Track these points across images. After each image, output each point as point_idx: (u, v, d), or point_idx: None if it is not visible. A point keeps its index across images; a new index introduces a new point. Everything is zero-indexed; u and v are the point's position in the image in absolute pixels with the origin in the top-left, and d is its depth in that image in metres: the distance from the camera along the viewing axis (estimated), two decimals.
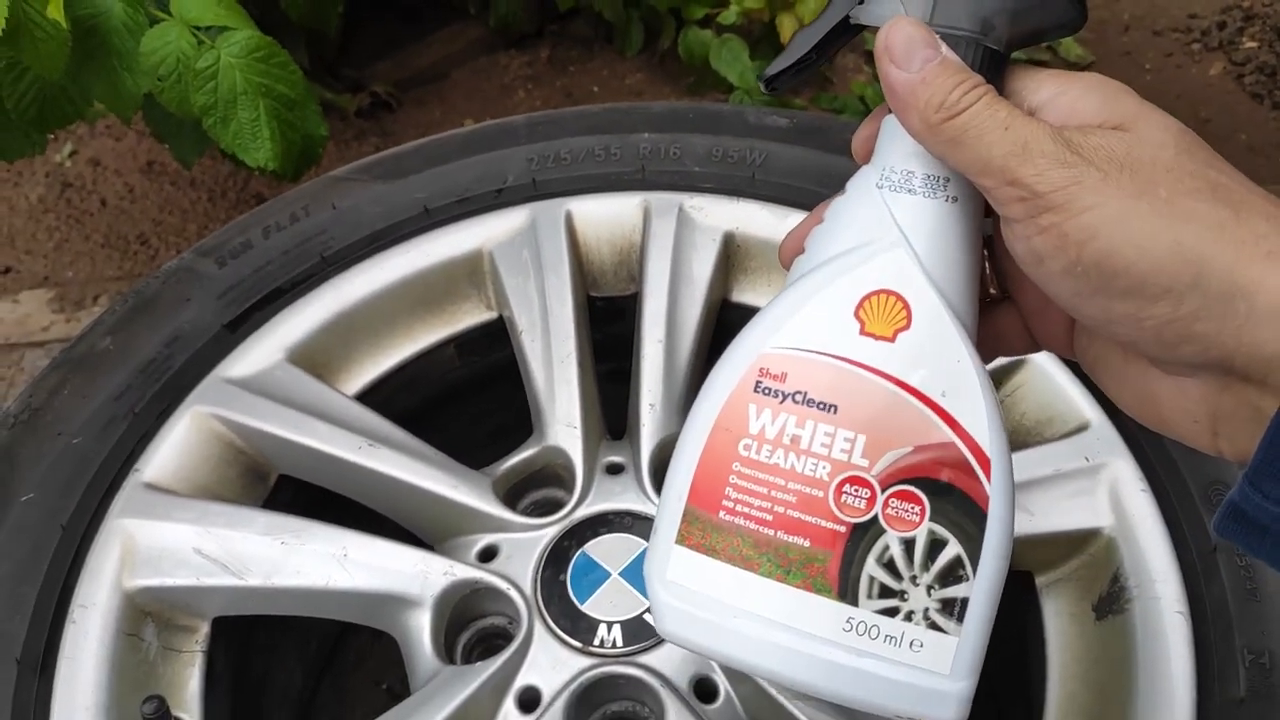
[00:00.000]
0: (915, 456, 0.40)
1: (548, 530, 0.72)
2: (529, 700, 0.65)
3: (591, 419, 0.77)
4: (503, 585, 0.69)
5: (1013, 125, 0.37)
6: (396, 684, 1.00)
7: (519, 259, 0.83)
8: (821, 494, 0.41)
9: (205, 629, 0.70)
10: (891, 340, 0.40)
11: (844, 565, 0.41)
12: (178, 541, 0.69)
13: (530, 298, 0.81)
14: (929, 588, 0.40)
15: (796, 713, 0.62)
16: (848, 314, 0.41)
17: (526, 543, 0.71)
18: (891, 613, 0.40)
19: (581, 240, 0.85)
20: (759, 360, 0.41)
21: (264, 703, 0.82)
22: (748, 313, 0.85)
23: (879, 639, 0.41)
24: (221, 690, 0.72)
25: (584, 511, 0.73)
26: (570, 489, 0.74)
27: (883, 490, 0.40)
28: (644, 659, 0.66)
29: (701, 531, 0.42)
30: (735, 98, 1.52)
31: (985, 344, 0.43)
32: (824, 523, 0.41)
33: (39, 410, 0.74)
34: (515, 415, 0.82)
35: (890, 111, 0.41)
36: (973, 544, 0.40)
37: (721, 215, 0.84)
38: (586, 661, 0.66)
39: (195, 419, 0.74)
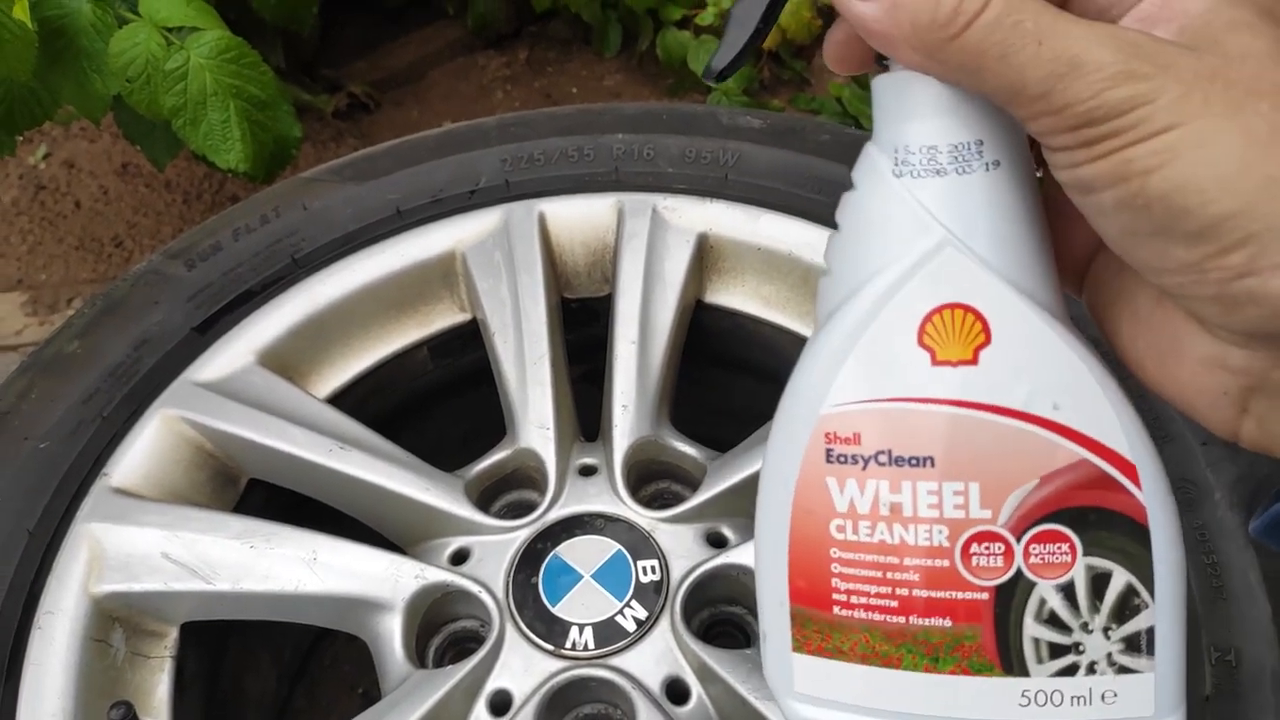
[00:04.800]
0: (1046, 490, 0.33)
1: (520, 533, 0.72)
2: (500, 704, 0.65)
3: (564, 421, 0.77)
4: (474, 588, 0.68)
5: (1049, 36, 0.29)
6: (372, 689, 1.00)
7: (492, 260, 0.82)
8: (947, 563, 0.34)
9: (174, 634, 0.69)
10: (973, 362, 0.33)
11: (999, 635, 0.34)
12: (146, 546, 0.68)
13: (503, 299, 0.81)
14: (1106, 629, 0.34)
15: (769, 714, 0.62)
16: (910, 345, 0.33)
17: (498, 545, 0.71)
18: (1071, 671, 0.34)
19: (555, 241, 0.85)
20: (820, 424, 0.34)
21: (236, 708, 0.82)
22: (721, 313, 0.86)
23: (1064, 703, 0.34)
24: (192, 696, 0.72)
25: (556, 514, 0.73)
26: (543, 491, 0.74)
27: (1018, 539, 0.34)
28: (615, 661, 0.65)
29: (819, 635, 0.36)
30: (713, 98, 1.52)
31: None
32: (960, 594, 0.34)
33: (6, 414, 0.73)
34: (488, 418, 0.81)
35: (881, 67, 0.34)
36: (1141, 565, 0.34)
37: (695, 216, 0.84)
38: (558, 664, 0.65)
39: (164, 422, 0.74)
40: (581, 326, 0.86)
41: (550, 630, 0.66)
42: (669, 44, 1.55)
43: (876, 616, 0.35)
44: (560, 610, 0.67)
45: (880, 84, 0.34)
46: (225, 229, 0.84)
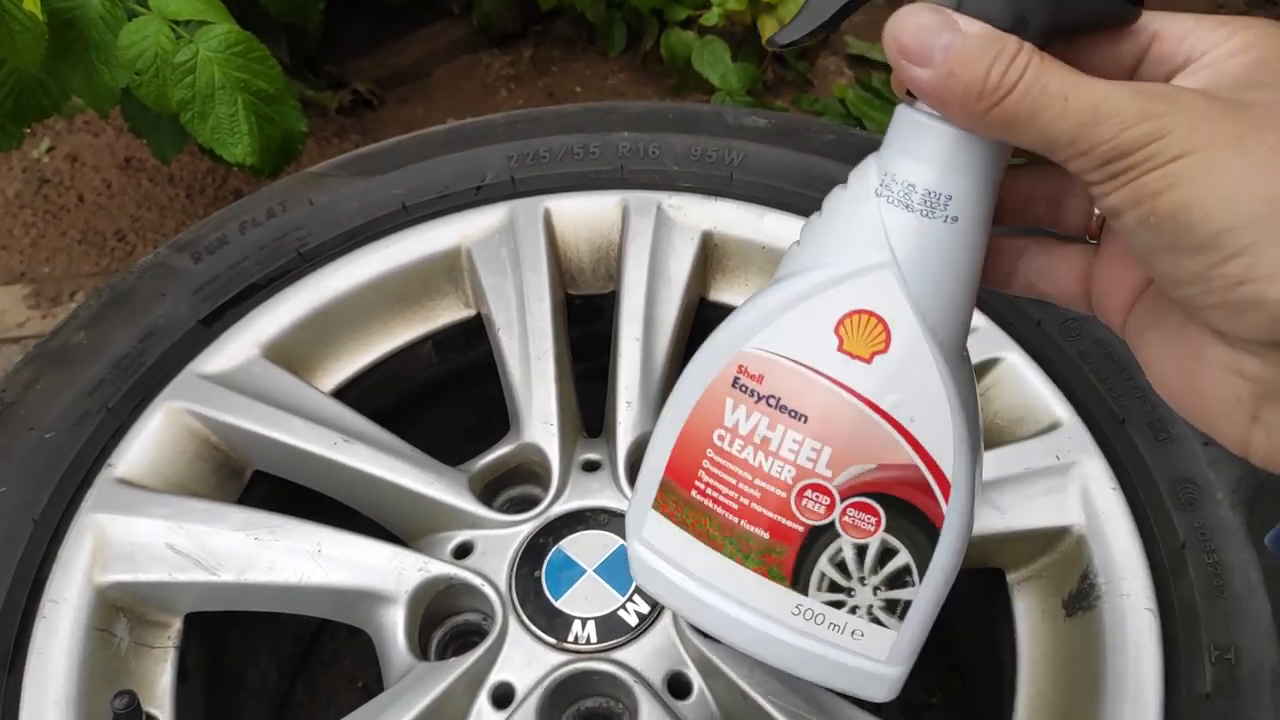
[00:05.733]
0: (877, 474, 0.42)
1: (523, 527, 0.72)
2: (502, 696, 0.65)
3: (568, 416, 0.77)
4: (477, 581, 0.69)
5: (1073, 94, 0.34)
6: (372, 682, 1.00)
7: (497, 256, 0.83)
8: (784, 495, 0.43)
9: (178, 625, 0.69)
10: (868, 361, 0.40)
11: (799, 560, 0.43)
12: (150, 537, 0.68)
13: (508, 295, 0.81)
14: (875, 588, 0.43)
15: (770, 709, 0.63)
16: (827, 328, 0.40)
17: (502, 539, 0.71)
18: (838, 605, 0.44)
19: (560, 238, 0.85)
20: (738, 357, 0.42)
21: (238, 699, 0.82)
22: (725, 311, 0.85)
23: (823, 625, 0.44)
24: (194, 686, 0.72)
25: (560, 508, 0.73)
26: (546, 486, 0.74)
27: (842, 500, 0.42)
28: (618, 655, 0.66)
29: (675, 503, 0.45)
30: (717, 99, 1.52)
31: (1039, 278, 0.43)
32: (784, 520, 0.43)
33: (12, 404, 0.74)
34: (492, 412, 0.82)
35: (910, 97, 0.39)
36: (923, 556, 0.43)
37: (700, 214, 0.84)
38: (560, 658, 0.66)
39: (169, 414, 0.74)
40: (585, 323, 0.86)
41: (553, 624, 0.67)
42: (673, 44, 1.55)
43: (719, 510, 0.44)
44: (563, 604, 0.68)
45: (900, 113, 0.39)
46: (232, 222, 0.84)
